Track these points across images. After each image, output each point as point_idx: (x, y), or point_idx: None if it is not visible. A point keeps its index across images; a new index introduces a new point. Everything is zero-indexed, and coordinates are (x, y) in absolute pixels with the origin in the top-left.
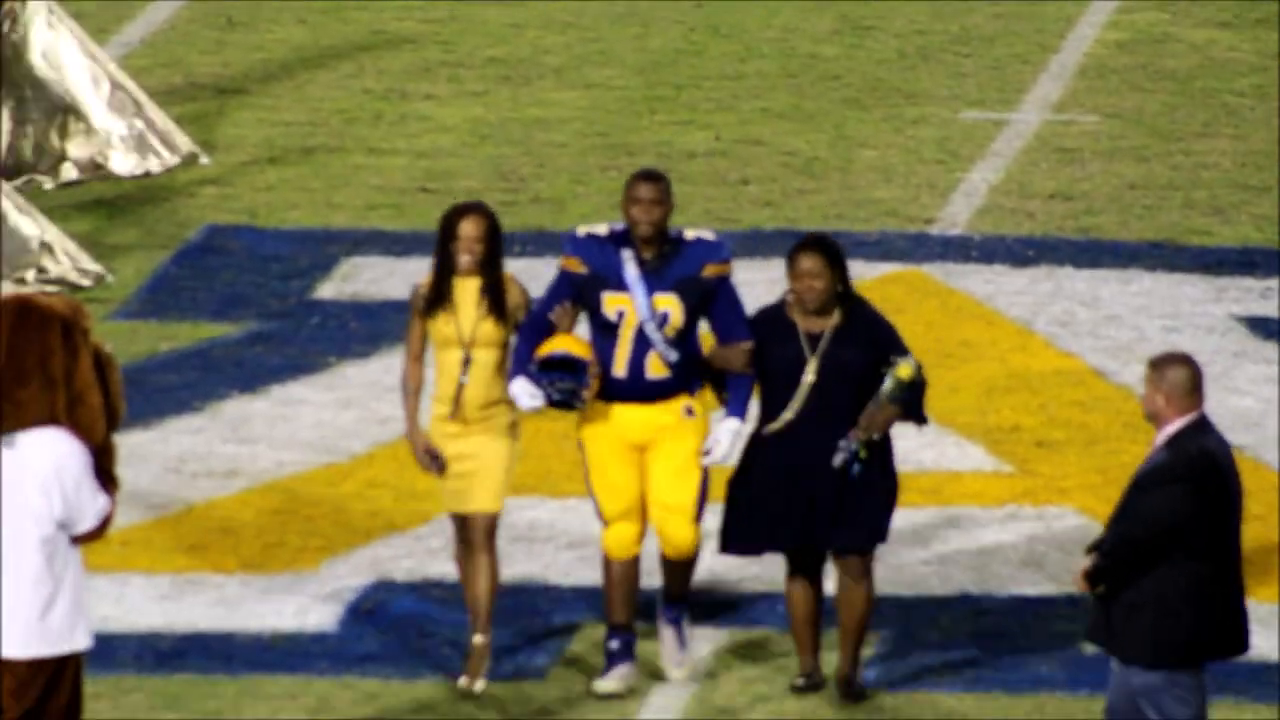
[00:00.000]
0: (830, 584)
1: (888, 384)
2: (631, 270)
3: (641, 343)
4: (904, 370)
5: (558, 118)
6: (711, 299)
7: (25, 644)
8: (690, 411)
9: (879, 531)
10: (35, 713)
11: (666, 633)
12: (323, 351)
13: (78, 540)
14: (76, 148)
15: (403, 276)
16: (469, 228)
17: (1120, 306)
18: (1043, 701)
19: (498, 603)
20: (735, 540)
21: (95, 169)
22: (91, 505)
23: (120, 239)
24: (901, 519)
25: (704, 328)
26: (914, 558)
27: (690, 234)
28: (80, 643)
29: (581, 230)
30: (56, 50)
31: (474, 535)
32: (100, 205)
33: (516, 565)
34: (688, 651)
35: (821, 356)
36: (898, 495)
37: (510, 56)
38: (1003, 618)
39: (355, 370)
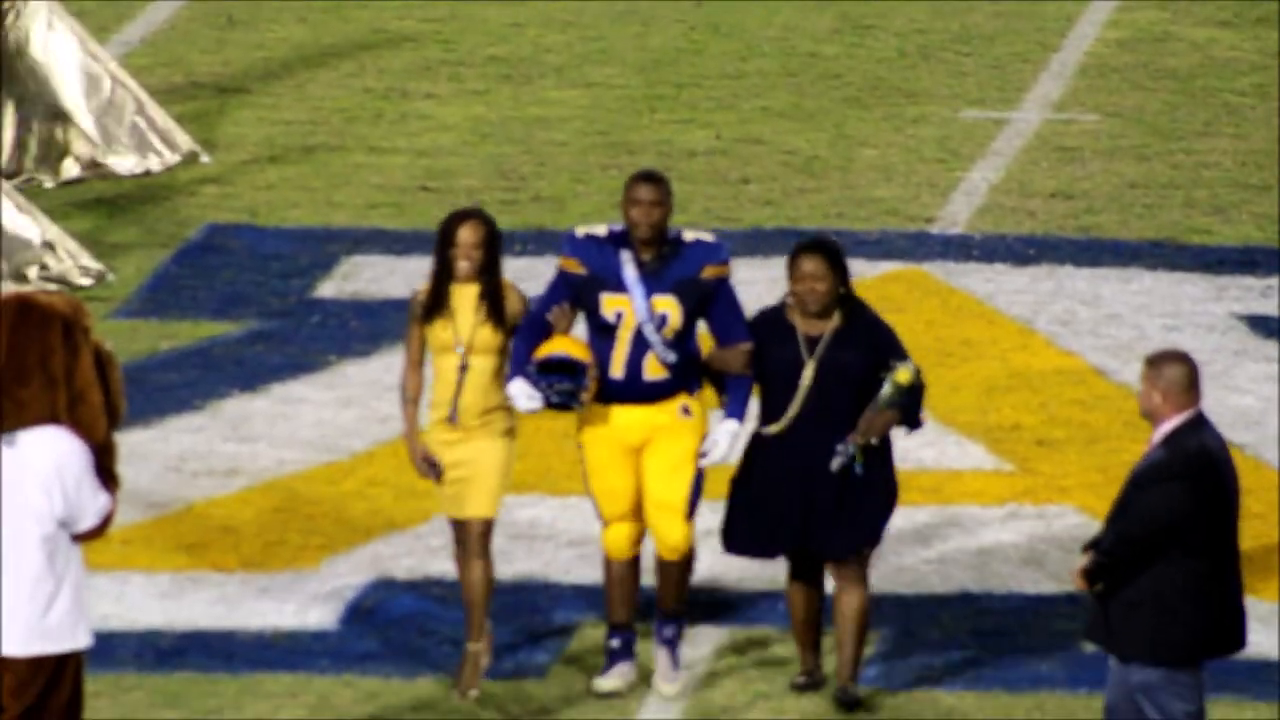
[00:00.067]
0: (831, 584)
1: (886, 388)
2: (630, 272)
3: (639, 344)
4: (903, 375)
5: (558, 116)
6: (710, 301)
7: (26, 642)
8: (687, 411)
9: (873, 537)
10: (36, 711)
11: (660, 654)
12: (323, 350)
13: (78, 539)
14: (77, 146)
15: (403, 275)
16: (467, 234)
17: (1121, 305)
18: (1043, 700)
19: (498, 600)
20: (736, 542)
21: (96, 168)
22: (92, 504)
23: (121, 238)
24: (902, 518)
25: (703, 329)
26: (914, 556)
27: (689, 235)
28: (81, 641)
29: (580, 231)
30: (57, 49)
31: (468, 540)
32: (101, 204)
33: (517, 563)
34: (681, 670)
35: (819, 359)
36: (896, 500)
37: (511, 55)
38: (1003, 616)
39: (356, 369)
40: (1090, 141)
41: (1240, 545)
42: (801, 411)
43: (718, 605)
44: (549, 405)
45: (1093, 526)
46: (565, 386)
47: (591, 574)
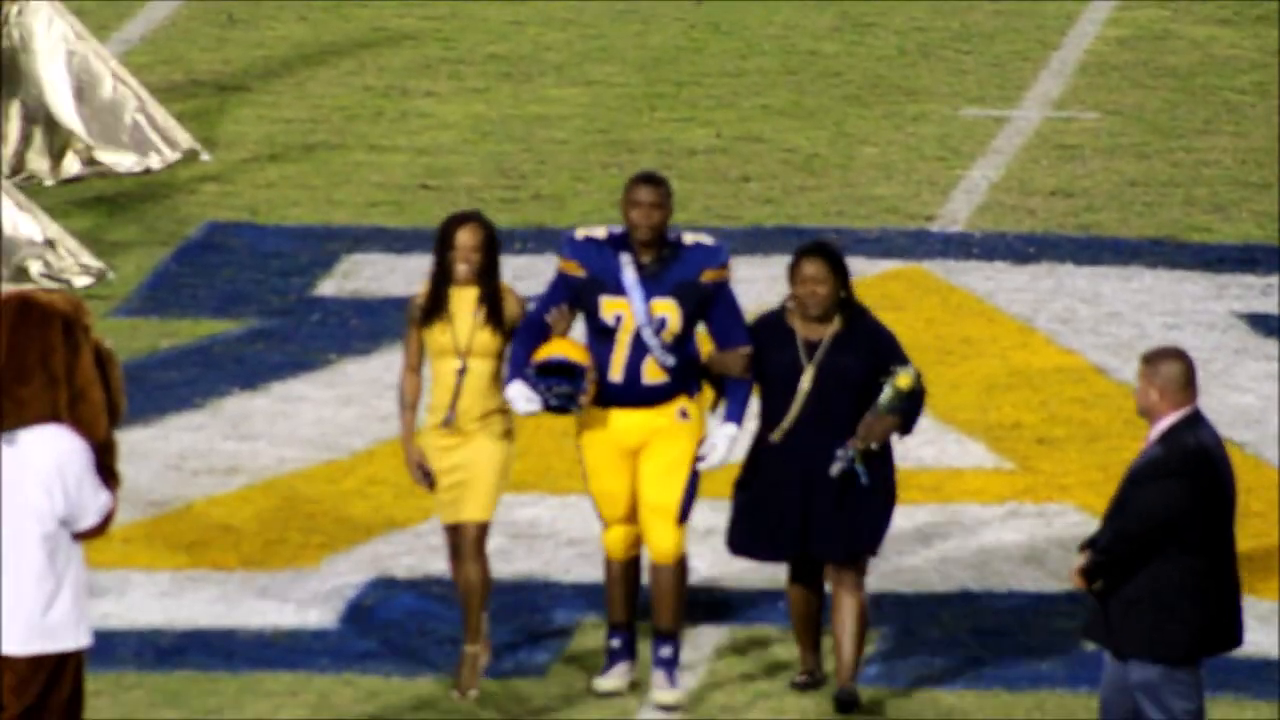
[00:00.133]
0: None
1: (886, 393)
2: (630, 274)
3: (638, 347)
4: (903, 380)
5: (558, 115)
6: (710, 304)
7: (26, 641)
8: (684, 414)
9: (871, 543)
10: (36, 709)
11: (657, 674)
12: (323, 348)
13: (79, 537)
14: (77, 144)
15: (403, 273)
16: (466, 237)
17: (1121, 303)
18: (1043, 699)
19: (498, 600)
20: (738, 544)
21: (96, 166)
22: (93, 502)
23: (121, 236)
24: (902, 516)
25: (703, 331)
26: (914, 555)
27: (689, 238)
28: (81, 639)
29: (580, 233)
30: (58, 47)
31: (464, 544)
32: (101, 202)
33: (517, 562)
34: (679, 688)
35: (819, 364)
36: (895, 505)
37: (511, 53)
38: (1003, 615)
39: (356, 367)
40: (1090, 139)
41: (1240, 544)
42: (800, 416)
43: (718, 605)
44: (547, 408)
45: (1093, 525)
46: (564, 389)
47: (591, 573)
